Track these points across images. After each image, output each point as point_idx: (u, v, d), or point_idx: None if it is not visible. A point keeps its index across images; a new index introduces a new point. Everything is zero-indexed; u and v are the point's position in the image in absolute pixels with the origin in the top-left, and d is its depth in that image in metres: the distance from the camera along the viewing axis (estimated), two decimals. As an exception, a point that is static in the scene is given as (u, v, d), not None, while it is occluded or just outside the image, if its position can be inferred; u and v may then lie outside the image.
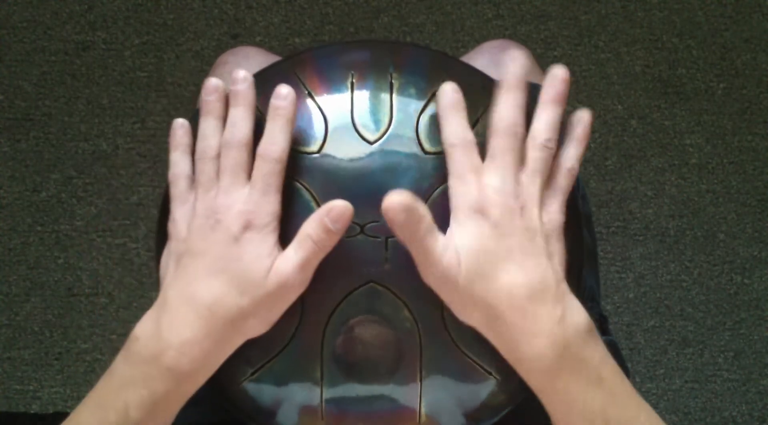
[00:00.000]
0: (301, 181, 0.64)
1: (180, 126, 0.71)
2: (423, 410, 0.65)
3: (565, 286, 0.62)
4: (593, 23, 1.82)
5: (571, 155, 0.65)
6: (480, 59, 1.09)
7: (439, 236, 0.60)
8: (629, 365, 1.04)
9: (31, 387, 1.71)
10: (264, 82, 0.72)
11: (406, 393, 0.64)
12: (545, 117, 0.65)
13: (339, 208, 0.61)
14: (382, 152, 0.64)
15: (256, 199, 0.62)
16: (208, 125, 0.67)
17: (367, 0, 1.82)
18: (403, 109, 0.66)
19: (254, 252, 0.61)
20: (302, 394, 0.65)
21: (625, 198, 1.77)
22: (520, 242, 0.60)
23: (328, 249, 0.61)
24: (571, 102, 1.80)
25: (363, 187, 0.63)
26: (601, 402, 0.62)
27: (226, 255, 0.62)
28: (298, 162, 0.64)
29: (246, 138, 0.64)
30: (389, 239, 0.62)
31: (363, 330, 0.64)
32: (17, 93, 1.77)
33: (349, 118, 0.65)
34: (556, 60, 1.80)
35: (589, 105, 1.78)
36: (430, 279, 0.61)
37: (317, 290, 0.63)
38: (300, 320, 0.63)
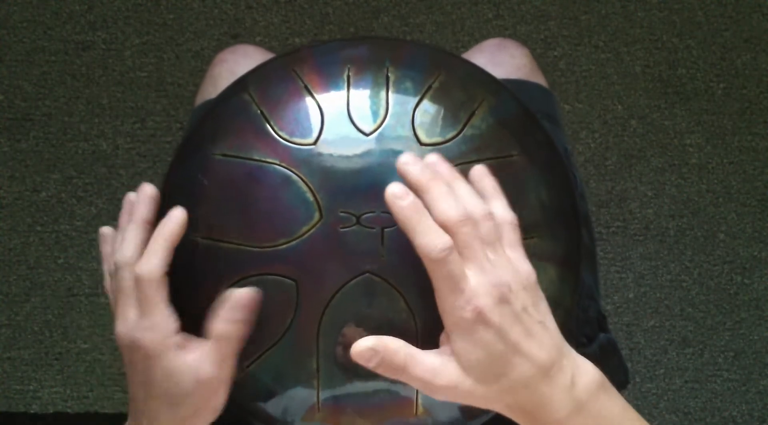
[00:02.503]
0: (297, 173, 0.64)
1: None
2: (419, 402, 0.65)
3: (566, 347, 0.63)
4: (593, 23, 1.82)
5: (501, 210, 0.64)
6: (479, 58, 1.09)
7: (427, 359, 0.60)
8: (629, 365, 1.04)
9: (31, 387, 1.71)
10: (262, 78, 0.73)
11: (403, 385, 0.64)
12: (462, 194, 0.62)
13: (238, 297, 0.63)
14: (378, 144, 0.64)
15: (146, 324, 0.64)
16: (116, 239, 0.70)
17: (367, 0, 1.82)
18: (399, 102, 0.66)
19: (169, 369, 0.64)
20: (298, 386, 0.65)
21: (625, 198, 1.77)
22: (521, 329, 0.60)
23: (243, 336, 0.63)
24: (571, 102, 1.81)
25: (359, 178, 0.63)
26: None
27: (149, 377, 0.65)
28: (295, 154, 0.64)
29: (132, 259, 0.65)
30: (385, 230, 0.62)
31: (359, 328, 0.64)
32: (17, 93, 1.78)
33: (345, 111, 0.66)
34: (556, 60, 1.80)
35: (589, 105, 1.78)
36: (439, 398, 0.61)
37: (313, 281, 0.63)
38: (295, 312, 0.63)
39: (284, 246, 0.63)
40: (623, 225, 1.77)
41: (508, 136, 0.69)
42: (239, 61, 1.10)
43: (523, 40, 1.16)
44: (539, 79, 1.11)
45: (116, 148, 1.76)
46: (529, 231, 0.67)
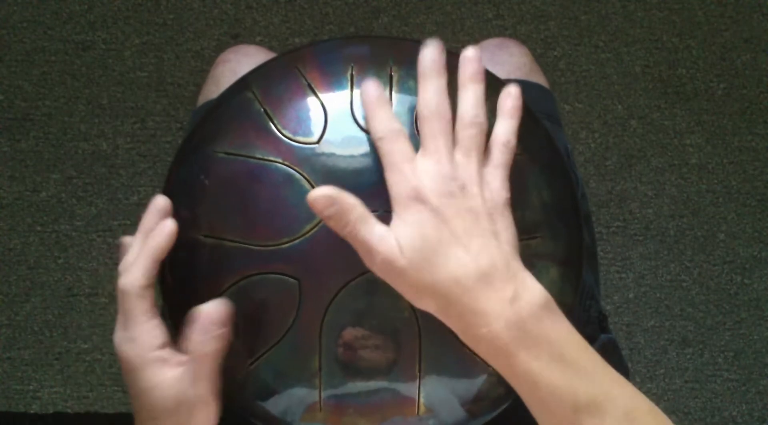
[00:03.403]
0: (300, 171, 0.64)
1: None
2: (422, 401, 0.65)
3: (516, 264, 0.61)
4: (593, 23, 1.82)
5: (504, 129, 0.65)
6: (479, 57, 1.09)
7: (376, 225, 0.60)
8: (629, 365, 1.04)
9: (31, 387, 1.71)
10: (265, 76, 0.72)
11: (405, 385, 0.64)
12: (467, 96, 0.64)
13: (206, 313, 0.63)
14: None
15: (128, 336, 0.64)
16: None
17: (367, 0, 1.82)
18: (402, 101, 0.66)
19: (149, 384, 0.64)
20: (300, 385, 0.65)
21: (625, 198, 1.77)
22: (464, 225, 0.60)
23: (219, 352, 0.63)
24: (571, 102, 1.81)
25: (362, 177, 0.63)
26: (568, 379, 0.60)
27: (134, 390, 0.65)
28: (298, 152, 0.64)
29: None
30: None
31: (361, 327, 0.64)
32: (17, 93, 1.78)
33: (348, 110, 0.66)
34: (556, 60, 1.80)
35: (589, 105, 1.79)
36: (374, 268, 0.60)
37: (315, 280, 0.63)
38: (297, 310, 0.63)
39: (287, 245, 0.63)
40: (623, 225, 1.77)
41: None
42: (241, 61, 1.10)
43: (523, 40, 1.16)
44: (539, 79, 1.11)
45: (116, 148, 1.76)
46: (531, 231, 0.67)
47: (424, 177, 0.60)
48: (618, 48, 1.82)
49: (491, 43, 1.14)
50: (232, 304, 0.63)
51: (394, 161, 0.61)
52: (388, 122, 0.62)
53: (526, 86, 1.06)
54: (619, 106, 1.80)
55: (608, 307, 1.74)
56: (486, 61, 1.07)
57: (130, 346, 0.64)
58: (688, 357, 1.75)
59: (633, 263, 1.76)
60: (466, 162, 0.61)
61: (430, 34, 1.81)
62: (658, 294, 1.76)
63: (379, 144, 0.61)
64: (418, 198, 0.59)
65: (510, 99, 0.66)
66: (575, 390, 0.60)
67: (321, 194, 0.59)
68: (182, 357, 0.64)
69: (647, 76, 1.81)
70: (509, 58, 1.10)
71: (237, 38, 1.80)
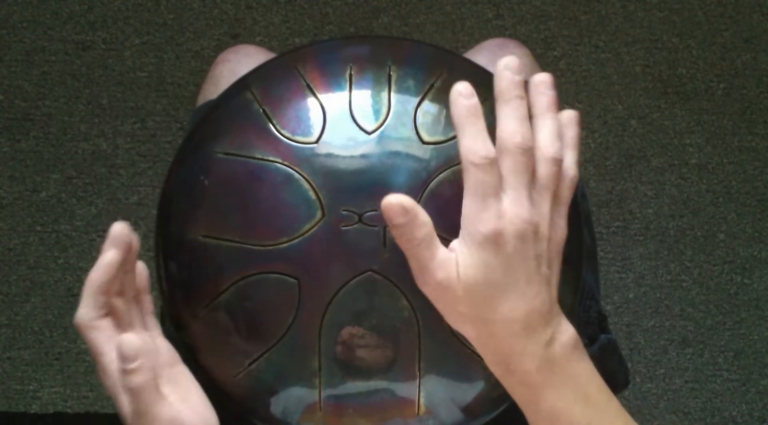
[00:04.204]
0: (299, 171, 0.64)
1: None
2: (422, 401, 0.65)
3: (556, 308, 0.61)
4: (593, 23, 1.82)
5: (571, 163, 0.62)
6: (480, 58, 1.09)
7: (440, 249, 0.59)
8: (629, 365, 1.04)
9: (31, 387, 1.71)
10: (264, 76, 0.73)
11: (405, 385, 0.64)
12: (548, 128, 0.61)
13: (127, 346, 0.60)
14: (380, 142, 0.64)
15: (98, 368, 0.64)
16: None
17: (367, 0, 1.82)
18: (401, 101, 0.66)
19: (125, 413, 0.63)
20: (300, 385, 0.65)
21: (625, 198, 1.77)
22: (527, 271, 0.59)
23: (147, 387, 0.61)
24: (571, 102, 1.81)
25: (361, 177, 0.63)
26: (587, 418, 0.61)
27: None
28: (297, 152, 0.64)
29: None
30: (387, 228, 0.62)
31: (361, 327, 0.64)
32: (17, 93, 1.78)
33: (347, 109, 0.66)
34: (556, 60, 1.80)
35: (589, 105, 1.78)
36: (423, 288, 0.60)
37: (315, 280, 0.63)
38: (297, 310, 0.63)
39: (286, 244, 0.63)
40: (623, 225, 1.77)
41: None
42: (241, 61, 1.09)
43: (523, 40, 1.16)
44: (539, 79, 1.10)
45: (116, 148, 1.76)
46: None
47: (507, 217, 0.58)
48: (618, 48, 1.82)
49: (491, 43, 1.14)
50: (139, 338, 0.61)
51: (483, 194, 0.58)
52: (485, 146, 0.58)
53: (526, 87, 1.06)
54: (619, 106, 1.80)
55: (608, 307, 1.73)
56: (487, 62, 1.07)
57: (102, 377, 0.64)
58: (688, 357, 1.75)
59: (633, 263, 1.76)
60: (542, 201, 0.60)
61: (430, 34, 1.82)
62: (658, 294, 1.76)
63: (470, 168, 0.58)
64: (496, 241, 0.58)
65: (572, 128, 0.64)
66: None
67: (397, 202, 0.57)
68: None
69: (647, 76, 1.81)
70: (510, 59, 1.09)
71: (237, 38, 1.80)
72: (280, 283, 0.63)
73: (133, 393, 0.61)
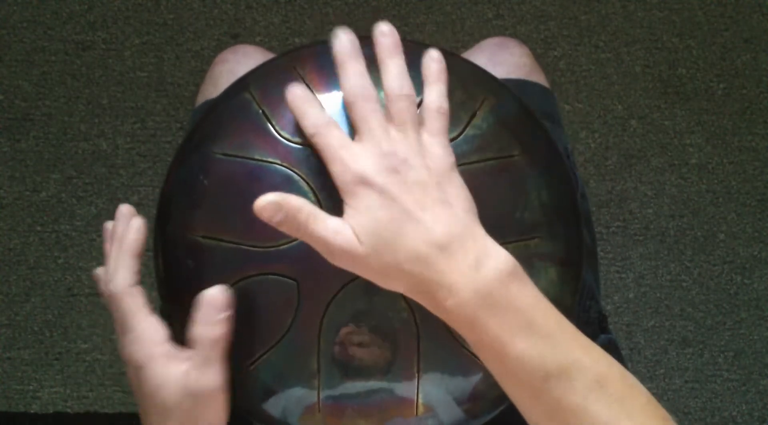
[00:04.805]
0: (298, 172, 0.64)
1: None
2: (420, 401, 0.65)
3: (475, 229, 0.60)
4: (593, 23, 1.82)
5: (434, 95, 0.64)
6: (480, 57, 1.09)
7: (328, 220, 0.59)
8: (629, 365, 1.04)
9: (31, 387, 1.71)
10: (263, 77, 0.72)
11: (404, 385, 0.64)
12: (388, 70, 0.63)
13: (213, 298, 0.63)
14: None
15: (130, 338, 0.65)
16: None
17: (367, 0, 1.82)
18: None
19: (157, 381, 0.64)
20: (299, 386, 0.65)
21: (625, 198, 1.77)
22: (413, 198, 0.59)
23: (224, 338, 0.63)
24: (571, 102, 1.81)
25: None
26: (537, 348, 0.58)
27: (143, 391, 0.65)
28: (296, 153, 0.64)
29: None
30: None
31: (360, 328, 0.64)
32: (17, 93, 1.78)
33: (345, 110, 0.66)
34: (556, 60, 1.80)
35: (589, 105, 1.78)
36: (336, 262, 0.60)
37: (313, 281, 0.63)
38: (296, 311, 0.63)
39: (285, 246, 0.63)
40: (623, 225, 1.77)
41: (509, 135, 0.69)
42: (240, 61, 1.10)
43: (523, 40, 1.16)
44: (540, 79, 1.11)
45: (116, 148, 1.76)
46: (529, 232, 0.67)
47: (364, 160, 0.59)
48: (618, 48, 1.82)
49: (492, 42, 1.14)
50: (231, 292, 0.64)
51: (332, 152, 0.60)
52: (317, 117, 0.62)
53: (526, 86, 1.06)
54: (619, 106, 1.80)
55: (608, 307, 1.74)
56: (486, 61, 1.07)
57: (135, 347, 0.65)
58: (688, 357, 1.75)
59: (633, 263, 1.76)
60: (402, 136, 0.61)
61: (430, 34, 1.82)
62: (658, 294, 1.76)
63: (314, 141, 0.62)
64: (363, 182, 0.59)
65: (433, 63, 0.66)
66: (544, 358, 0.58)
67: (265, 202, 0.59)
68: (187, 352, 0.64)
69: (647, 76, 1.81)
70: (510, 58, 1.10)
71: (237, 38, 1.80)
72: (279, 285, 0.63)
73: (210, 346, 0.63)
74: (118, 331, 0.66)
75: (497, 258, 0.59)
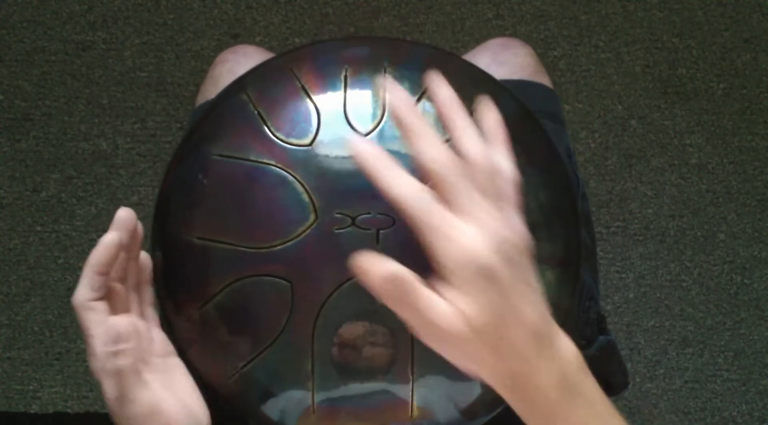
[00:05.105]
0: (293, 174, 0.64)
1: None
2: (415, 403, 0.65)
3: (549, 317, 0.58)
4: (593, 23, 1.82)
5: (502, 159, 0.59)
6: (483, 57, 1.09)
7: (434, 300, 0.55)
8: (629, 365, 1.04)
9: (31, 387, 1.71)
10: (260, 78, 0.73)
11: (399, 387, 0.64)
12: (468, 135, 0.59)
13: (113, 328, 0.63)
14: (375, 144, 0.64)
15: (88, 351, 0.65)
16: None
17: (367, 0, 1.82)
18: None
19: (113, 396, 0.64)
20: (293, 388, 0.65)
21: (625, 198, 1.77)
22: (520, 288, 0.56)
23: (126, 371, 0.63)
24: (571, 102, 1.81)
25: (355, 180, 0.63)
26: None
27: (110, 411, 0.65)
28: (291, 155, 0.64)
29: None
30: (380, 231, 0.62)
31: (354, 329, 0.63)
32: (17, 93, 1.78)
33: (341, 111, 0.66)
34: (556, 60, 1.80)
35: (589, 105, 1.78)
36: (428, 341, 0.57)
37: (308, 282, 0.63)
38: (290, 313, 0.63)
39: (280, 247, 0.63)
40: (623, 225, 1.77)
41: (507, 136, 0.69)
42: (240, 62, 1.09)
43: (523, 40, 1.16)
44: (543, 79, 1.10)
45: (116, 148, 1.76)
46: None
47: (474, 242, 0.55)
48: (618, 48, 1.82)
49: (495, 42, 1.13)
50: (129, 322, 0.64)
51: (434, 226, 0.55)
52: (408, 186, 0.55)
53: (529, 86, 1.06)
54: (619, 106, 1.80)
55: (608, 307, 1.73)
56: (490, 62, 1.07)
57: (92, 361, 0.64)
58: (688, 357, 1.75)
59: (633, 263, 1.76)
60: (499, 214, 0.57)
61: (430, 34, 1.82)
62: (658, 294, 1.76)
63: (408, 212, 0.55)
64: (476, 265, 0.54)
65: (489, 117, 0.62)
66: None
67: (383, 278, 0.54)
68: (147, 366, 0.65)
69: (647, 76, 1.81)
70: (513, 58, 1.09)
71: (237, 38, 1.80)
72: (273, 286, 0.63)
73: (116, 374, 0.63)
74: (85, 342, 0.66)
75: (568, 347, 0.58)
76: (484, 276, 0.54)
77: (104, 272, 0.65)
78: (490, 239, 0.55)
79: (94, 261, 0.65)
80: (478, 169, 0.57)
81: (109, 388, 0.63)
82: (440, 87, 0.59)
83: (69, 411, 1.69)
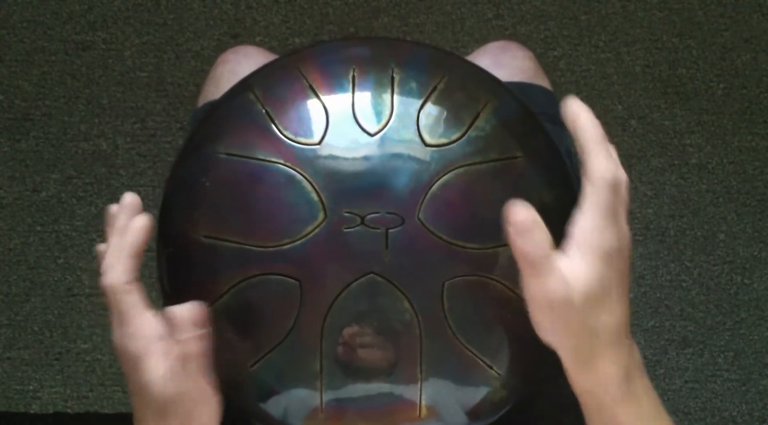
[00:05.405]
0: (302, 173, 0.64)
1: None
2: (423, 404, 0.65)
3: (629, 318, 0.63)
4: (593, 23, 1.82)
5: (622, 170, 0.65)
6: (482, 60, 1.09)
7: (557, 260, 0.60)
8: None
9: (31, 387, 1.71)
10: (266, 77, 0.72)
11: (406, 387, 0.64)
12: (612, 155, 0.65)
13: (181, 315, 0.63)
14: (383, 144, 0.64)
15: (126, 332, 0.65)
16: None
17: (367, 0, 1.82)
18: (404, 102, 0.66)
19: (152, 377, 0.64)
20: (301, 387, 0.65)
21: (625, 198, 1.77)
22: (622, 284, 0.61)
23: (201, 352, 0.64)
24: (571, 101, 1.79)
25: (364, 178, 0.63)
26: None
27: (138, 385, 0.65)
28: (299, 153, 0.64)
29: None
30: (389, 230, 0.62)
31: (362, 329, 0.63)
32: (17, 93, 1.78)
33: (350, 111, 0.65)
34: (556, 60, 1.80)
35: (590, 105, 1.78)
36: (529, 293, 0.60)
37: (316, 281, 0.63)
38: (299, 312, 0.63)
39: (288, 246, 0.63)
40: (623, 225, 1.77)
41: (511, 137, 0.69)
42: (241, 62, 1.10)
43: (523, 40, 1.16)
44: (543, 82, 1.11)
45: (116, 148, 1.76)
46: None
47: (625, 238, 0.61)
48: (618, 48, 1.82)
49: (495, 45, 1.14)
50: (206, 306, 0.64)
51: (613, 213, 0.61)
52: (619, 169, 0.63)
53: (529, 89, 1.06)
54: (619, 106, 1.80)
55: (608, 307, 1.73)
56: (489, 65, 1.07)
57: (131, 341, 0.64)
58: (688, 357, 1.75)
59: (633, 263, 1.76)
60: (624, 223, 0.62)
61: (430, 34, 1.82)
62: (658, 294, 1.76)
63: (603, 186, 0.61)
64: (616, 257, 0.60)
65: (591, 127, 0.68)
66: None
67: (525, 216, 0.59)
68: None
69: (647, 76, 1.81)
70: (512, 62, 1.10)
71: (237, 38, 1.80)
72: (281, 285, 0.63)
73: (187, 359, 0.63)
74: (114, 323, 0.66)
75: (637, 348, 0.64)
76: (612, 256, 0.60)
77: (138, 255, 0.66)
78: (628, 235, 0.62)
79: (131, 244, 0.66)
80: (623, 187, 0.63)
81: (157, 368, 0.64)
82: (581, 108, 0.68)
83: (69, 411, 1.69)
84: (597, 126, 0.65)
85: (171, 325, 0.63)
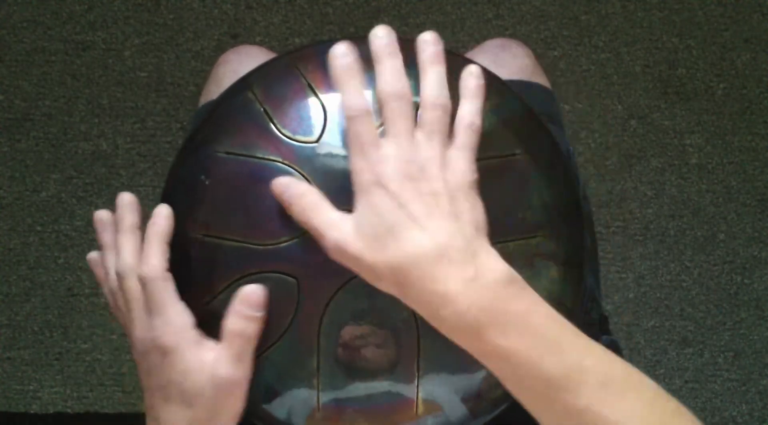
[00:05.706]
0: (300, 171, 0.64)
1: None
2: (420, 401, 0.65)
3: (478, 244, 0.60)
4: (593, 23, 1.82)
5: (468, 110, 0.64)
6: (481, 58, 1.09)
7: (330, 212, 0.61)
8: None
9: (31, 387, 1.71)
10: (265, 76, 0.72)
11: (404, 385, 0.64)
12: (428, 78, 0.64)
13: (251, 294, 0.63)
14: None
15: (160, 322, 0.65)
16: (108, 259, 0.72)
17: (367, 0, 1.82)
18: None
19: (186, 366, 0.64)
20: (299, 386, 0.65)
21: (625, 198, 1.77)
22: (423, 208, 0.59)
23: (256, 335, 0.64)
24: (571, 102, 1.81)
25: None
26: (537, 354, 0.58)
27: (167, 378, 0.65)
28: (298, 152, 0.64)
29: (134, 264, 0.67)
30: None
31: (360, 327, 0.63)
32: (17, 93, 1.78)
33: None
34: (556, 60, 1.80)
35: (589, 105, 1.79)
36: (331, 256, 0.61)
37: (314, 279, 0.63)
38: (296, 310, 0.63)
39: (286, 244, 0.63)
40: (623, 225, 1.77)
41: (511, 135, 0.69)
42: (242, 62, 1.10)
43: (523, 40, 1.16)
44: (542, 80, 1.11)
45: (116, 148, 1.76)
46: (531, 230, 0.67)
47: (386, 162, 0.60)
48: (618, 48, 1.82)
49: (493, 43, 1.14)
50: (267, 290, 0.64)
51: (361, 145, 0.61)
52: (359, 99, 0.62)
53: (528, 87, 1.06)
54: (619, 106, 1.80)
55: (608, 307, 1.74)
56: (488, 63, 1.07)
57: (165, 331, 0.65)
58: (688, 357, 1.75)
59: (633, 263, 1.76)
60: (427, 144, 0.62)
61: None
62: (658, 294, 1.76)
63: (349, 123, 0.62)
64: (379, 183, 0.60)
65: (472, 78, 0.66)
66: (547, 364, 0.59)
67: (276, 182, 0.62)
68: (214, 342, 0.65)
69: (647, 76, 1.81)
70: (512, 59, 1.10)
71: (237, 38, 1.80)
72: (279, 282, 0.63)
73: (237, 341, 0.64)
74: (140, 316, 0.66)
75: (495, 270, 0.60)
76: (375, 184, 0.60)
77: (168, 243, 0.67)
78: (397, 159, 0.61)
79: (161, 232, 0.67)
80: (425, 105, 0.63)
81: (196, 355, 0.64)
82: (428, 44, 0.65)
83: (69, 411, 1.69)
84: (341, 59, 0.64)
85: (238, 304, 0.64)
